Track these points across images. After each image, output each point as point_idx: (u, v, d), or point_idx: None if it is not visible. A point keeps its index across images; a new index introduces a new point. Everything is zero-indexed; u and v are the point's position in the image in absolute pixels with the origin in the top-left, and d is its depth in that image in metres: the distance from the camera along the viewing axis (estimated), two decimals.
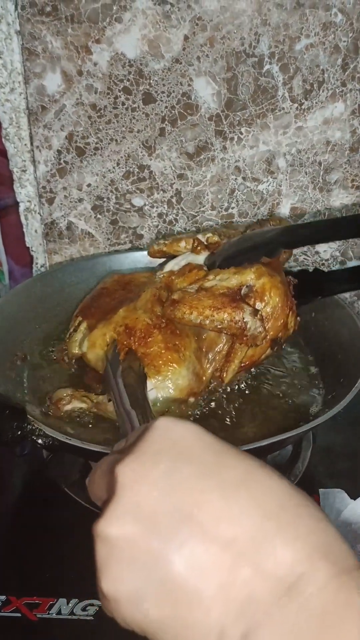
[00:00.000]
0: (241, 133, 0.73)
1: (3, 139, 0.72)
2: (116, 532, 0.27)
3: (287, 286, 0.61)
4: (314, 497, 0.56)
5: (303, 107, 0.71)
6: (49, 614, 0.53)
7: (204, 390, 0.62)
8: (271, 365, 0.69)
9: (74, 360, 0.66)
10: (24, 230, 0.79)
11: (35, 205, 0.77)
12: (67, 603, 0.54)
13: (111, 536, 0.27)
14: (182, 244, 0.66)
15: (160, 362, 0.58)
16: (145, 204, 0.78)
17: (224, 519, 0.26)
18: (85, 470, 0.66)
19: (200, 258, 0.64)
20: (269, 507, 0.27)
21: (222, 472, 0.28)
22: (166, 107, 0.71)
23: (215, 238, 0.64)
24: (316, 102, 0.71)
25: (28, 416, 0.52)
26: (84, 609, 0.53)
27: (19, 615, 0.53)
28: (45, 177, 0.75)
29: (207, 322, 0.58)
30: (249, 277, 0.59)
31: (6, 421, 0.51)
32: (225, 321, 0.58)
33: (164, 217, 0.79)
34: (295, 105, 0.71)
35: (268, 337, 0.59)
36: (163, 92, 0.70)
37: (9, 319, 0.69)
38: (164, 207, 0.78)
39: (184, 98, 0.70)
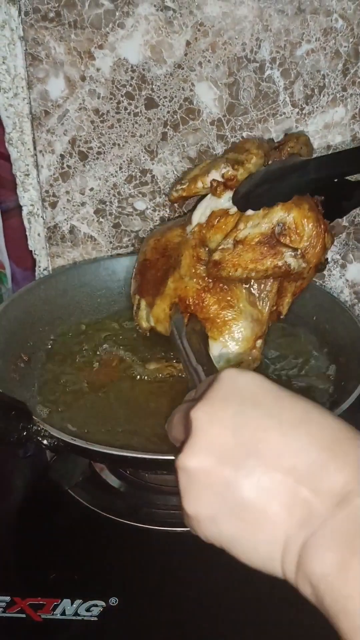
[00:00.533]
0: (242, 137, 0.73)
1: (6, 144, 0.73)
2: (193, 464, 0.32)
3: (317, 210, 0.61)
4: None
5: (304, 111, 0.72)
6: (53, 614, 0.53)
7: (267, 329, 0.65)
8: (274, 367, 0.70)
9: (147, 333, 0.71)
10: (27, 233, 0.80)
11: (38, 209, 0.78)
12: (72, 604, 0.54)
13: (190, 467, 0.33)
14: (199, 184, 0.66)
15: (220, 322, 0.62)
16: (147, 208, 0.79)
17: (284, 451, 0.31)
18: (87, 472, 0.67)
19: (223, 201, 0.64)
20: (323, 441, 0.31)
21: (282, 413, 0.33)
22: (168, 112, 0.71)
23: (230, 171, 0.63)
24: (317, 107, 0.72)
25: (34, 417, 0.53)
26: (88, 610, 0.54)
27: (23, 616, 0.53)
28: (48, 181, 0.76)
29: (253, 274, 0.61)
30: (278, 215, 0.60)
31: (12, 421, 0.51)
32: (270, 269, 0.60)
33: (166, 220, 0.80)
34: (296, 110, 0.72)
35: (312, 266, 0.61)
36: (165, 97, 0.71)
37: (13, 322, 0.69)
38: (166, 211, 0.79)
39: (186, 103, 0.71)
